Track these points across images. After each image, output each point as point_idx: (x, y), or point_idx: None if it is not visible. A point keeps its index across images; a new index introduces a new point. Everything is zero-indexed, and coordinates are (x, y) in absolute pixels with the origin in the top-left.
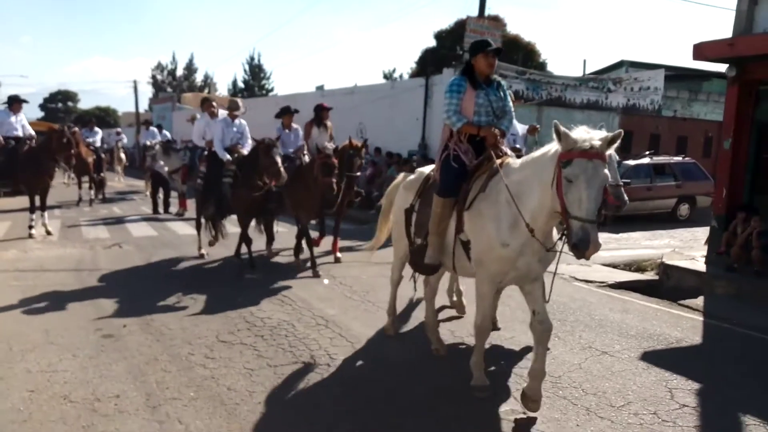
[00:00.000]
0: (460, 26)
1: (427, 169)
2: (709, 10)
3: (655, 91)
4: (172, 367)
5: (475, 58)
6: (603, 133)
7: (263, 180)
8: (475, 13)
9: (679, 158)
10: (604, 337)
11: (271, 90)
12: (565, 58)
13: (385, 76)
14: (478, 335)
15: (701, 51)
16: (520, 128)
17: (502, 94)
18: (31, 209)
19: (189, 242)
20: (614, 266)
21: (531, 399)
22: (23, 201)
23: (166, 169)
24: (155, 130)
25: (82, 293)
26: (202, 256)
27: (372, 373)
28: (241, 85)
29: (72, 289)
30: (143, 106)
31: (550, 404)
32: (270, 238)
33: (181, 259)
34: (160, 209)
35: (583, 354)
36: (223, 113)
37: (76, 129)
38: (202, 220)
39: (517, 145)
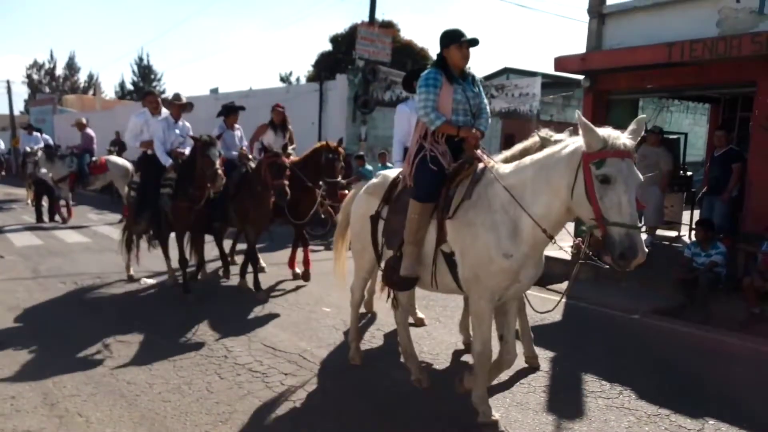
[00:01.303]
0: (356, 31)
1: (392, 172)
2: (580, 24)
3: (533, 97)
4: (68, 368)
5: (447, 49)
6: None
7: (203, 187)
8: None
9: None
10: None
11: (163, 92)
12: None
13: (282, 79)
14: (479, 364)
15: (561, 63)
16: None
17: (477, 89)
18: None
19: (78, 250)
20: None
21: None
22: None
23: (50, 176)
24: (38, 135)
25: None
26: (131, 278)
27: (265, 361)
28: (129, 87)
29: None
30: (18, 107)
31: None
32: (225, 262)
33: (72, 267)
34: (45, 218)
35: (460, 336)
36: (165, 112)
37: None
38: (134, 237)
39: None
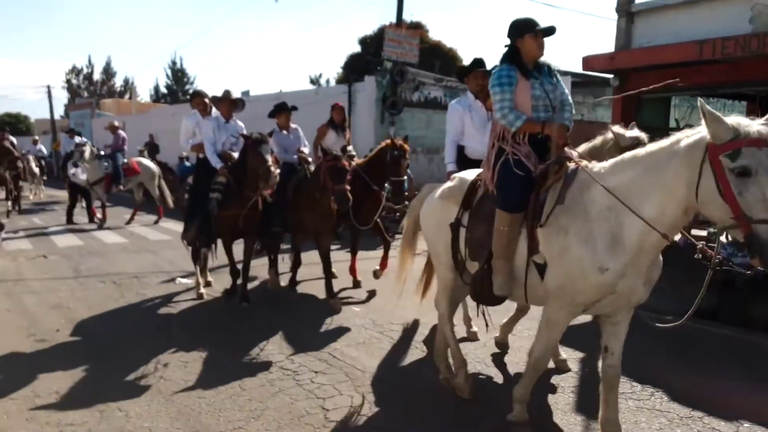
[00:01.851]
0: (384, 32)
1: (469, 174)
2: (609, 23)
3: None
4: (106, 365)
5: (521, 40)
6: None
7: (255, 188)
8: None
9: None
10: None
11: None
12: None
13: (312, 81)
14: (533, 366)
15: (589, 63)
16: None
17: (555, 80)
18: None
19: (116, 250)
20: None
21: None
22: None
23: (83, 177)
24: (79, 138)
25: (9, 301)
26: (200, 296)
27: (296, 359)
28: (164, 90)
29: None
30: (58, 112)
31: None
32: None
33: (111, 266)
34: (83, 218)
35: (489, 334)
36: (216, 112)
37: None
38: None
39: None
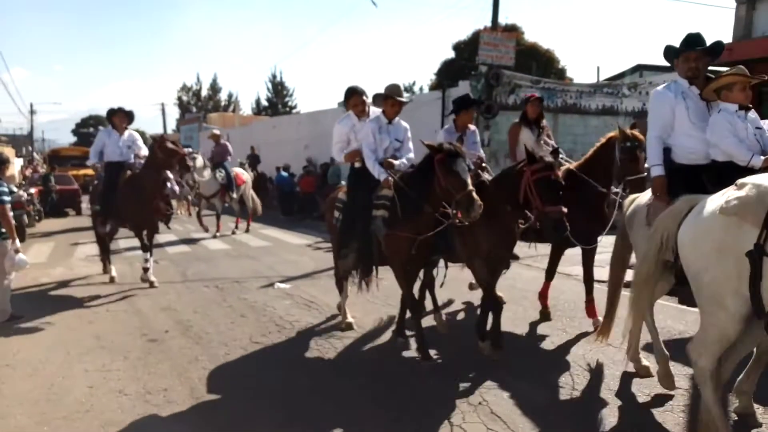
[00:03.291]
0: (478, 37)
1: (766, 179)
2: (719, 11)
3: None
4: (210, 365)
5: None
6: None
7: (440, 212)
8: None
9: None
10: (612, 331)
11: (294, 107)
12: (581, 65)
13: (405, 89)
14: None
15: None
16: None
17: None
18: (143, 248)
19: (220, 256)
20: None
21: None
22: (65, 222)
23: (176, 187)
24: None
25: (125, 304)
26: (349, 326)
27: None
28: (264, 103)
29: (116, 300)
30: (171, 126)
31: (553, 385)
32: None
33: (215, 272)
34: (191, 225)
35: (587, 346)
36: (375, 111)
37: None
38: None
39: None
